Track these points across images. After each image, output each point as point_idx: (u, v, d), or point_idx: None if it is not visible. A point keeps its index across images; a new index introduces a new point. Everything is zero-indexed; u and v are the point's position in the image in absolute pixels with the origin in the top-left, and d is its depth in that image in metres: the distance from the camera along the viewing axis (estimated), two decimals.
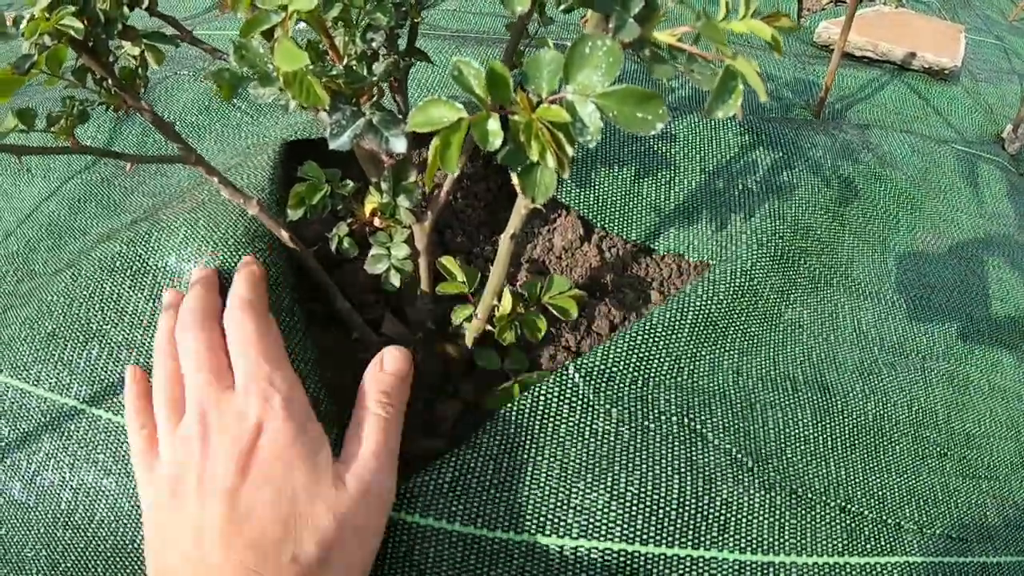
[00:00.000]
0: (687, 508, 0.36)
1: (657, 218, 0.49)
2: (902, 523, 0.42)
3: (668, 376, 0.39)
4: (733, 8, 0.29)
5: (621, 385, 0.37)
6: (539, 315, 0.40)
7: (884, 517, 0.42)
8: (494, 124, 0.23)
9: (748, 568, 0.36)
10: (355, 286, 0.45)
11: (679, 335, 0.42)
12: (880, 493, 0.42)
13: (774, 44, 0.30)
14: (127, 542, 0.37)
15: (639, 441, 0.36)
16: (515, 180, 0.34)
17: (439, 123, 0.24)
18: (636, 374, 0.38)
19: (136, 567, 0.37)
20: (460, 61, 0.25)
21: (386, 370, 0.36)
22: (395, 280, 0.39)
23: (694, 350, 0.41)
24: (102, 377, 0.41)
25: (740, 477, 0.38)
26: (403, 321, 0.44)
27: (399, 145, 0.33)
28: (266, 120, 0.59)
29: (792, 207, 0.52)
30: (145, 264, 0.44)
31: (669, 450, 0.37)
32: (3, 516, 0.39)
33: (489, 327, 0.39)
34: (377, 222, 0.42)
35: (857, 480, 0.42)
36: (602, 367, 0.38)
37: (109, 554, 0.37)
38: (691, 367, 0.40)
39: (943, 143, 0.81)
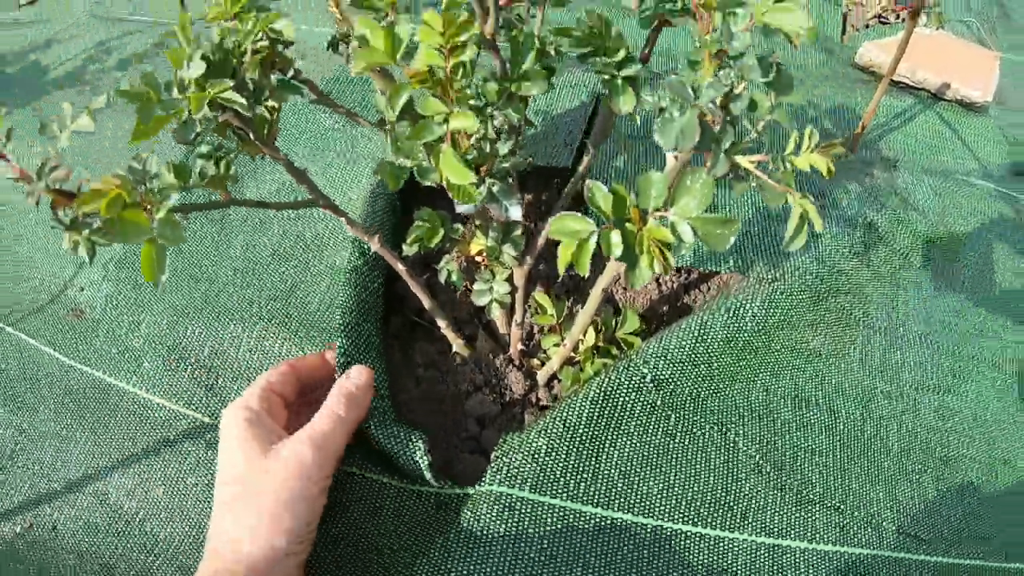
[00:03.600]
0: (719, 499, 0.51)
1: (715, 254, 0.64)
2: (883, 523, 0.58)
3: (715, 390, 0.54)
4: (798, 144, 0.43)
5: (681, 394, 0.53)
6: (612, 346, 0.55)
7: (869, 518, 0.58)
8: (616, 237, 0.37)
9: (762, 548, 0.52)
10: (453, 308, 0.60)
11: (727, 358, 0.57)
12: (868, 499, 0.58)
13: (829, 172, 0.44)
14: None
15: (688, 444, 0.52)
16: (617, 248, 0.49)
17: (574, 234, 0.38)
18: (693, 386, 0.53)
19: None
20: (592, 184, 0.39)
21: (352, 380, 0.50)
22: (496, 311, 0.54)
23: (737, 370, 0.56)
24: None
25: (760, 479, 0.54)
26: (494, 339, 0.58)
27: (516, 213, 0.48)
28: (359, 163, 0.73)
29: (830, 251, 0.66)
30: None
31: (710, 454, 0.52)
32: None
33: (572, 354, 0.54)
34: (478, 259, 0.56)
35: (850, 487, 0.58)
36: (670, 377, 0.53)
37: None
38: (733, 384, 0.55)
39: (964, 182, 0.95)
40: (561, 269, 0.40)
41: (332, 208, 0.53)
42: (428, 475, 0.50)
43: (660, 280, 0.63)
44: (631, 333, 0.55)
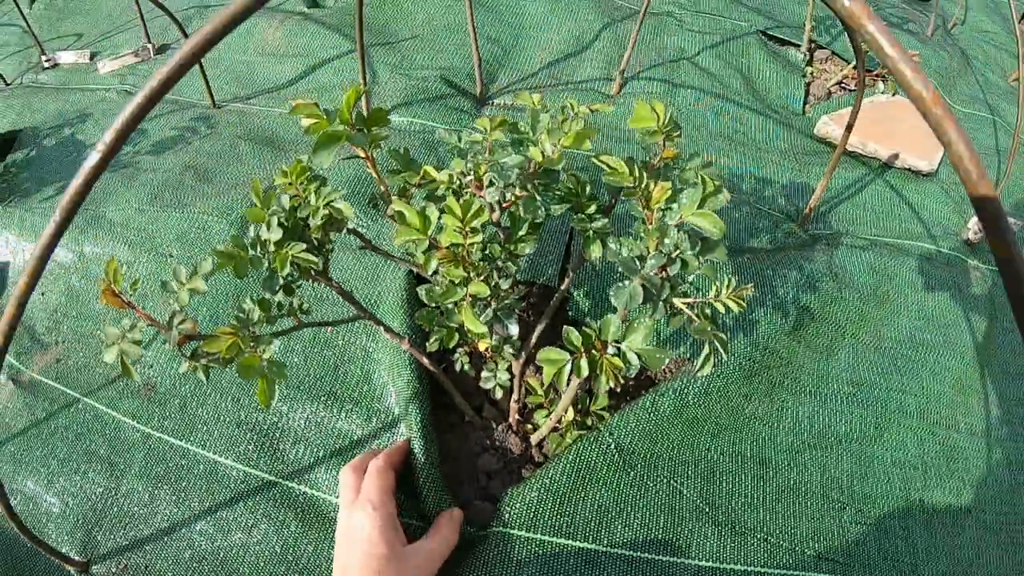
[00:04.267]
0: (668, 534, 0.74)
1: (668, 341, 0.87)
2: (806, 551, 0.81)
3: (665, 451, 0.77)
4: (719, 290, 0.65)
5: (638, 456, 0.75)
6: (588, 418, 0.77)
7: (794, 546, 0.80)
8: (584, 363, 0.60)
9: (704, 571, 0.74)
10: (466, 386, 0.82)
11: (674, 426, 0.80)
12: (793, 531, 0.81)
13: (740, 306, 0.66)
14: None
15: (643, 492, 0.74)
16: (584, 370, 0.71)
17: (556, 361, 0.60)
18: (647, 449, 0.76)
19: None
20: (568, 329, 0.61)
21: (453, 518, 0.73)
22: (499, 393, 0.76)
23: (682, 435, 0.79)
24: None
25: (700, 517, 0.76)
26: (496, 408, 0.81)
27: (514, 330, 0.70)
28: (379, 230, 0.95)
29: (763, 334, 0.89)
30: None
31: (660, 499, 0.75)
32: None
33: (556, 424, 0.76)
34: (485, 351, 0.79)
35: (777, 522, 0.80)
36: (629, 443, 0.76)
37: None
38: (679, 446, 0.78)
39: (903, 249, 1.18)
40: (546, 383, 0.62)
41: (374, 319, 0.75)
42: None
43: None
44: (602, 409, 0.78)
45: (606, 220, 0.69)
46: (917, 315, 1.10)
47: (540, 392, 0.77)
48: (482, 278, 0.64)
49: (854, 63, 1.54)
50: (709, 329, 0.63)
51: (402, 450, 0.75)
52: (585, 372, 0.59)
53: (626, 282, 0.60)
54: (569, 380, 0.67)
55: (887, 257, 1.14)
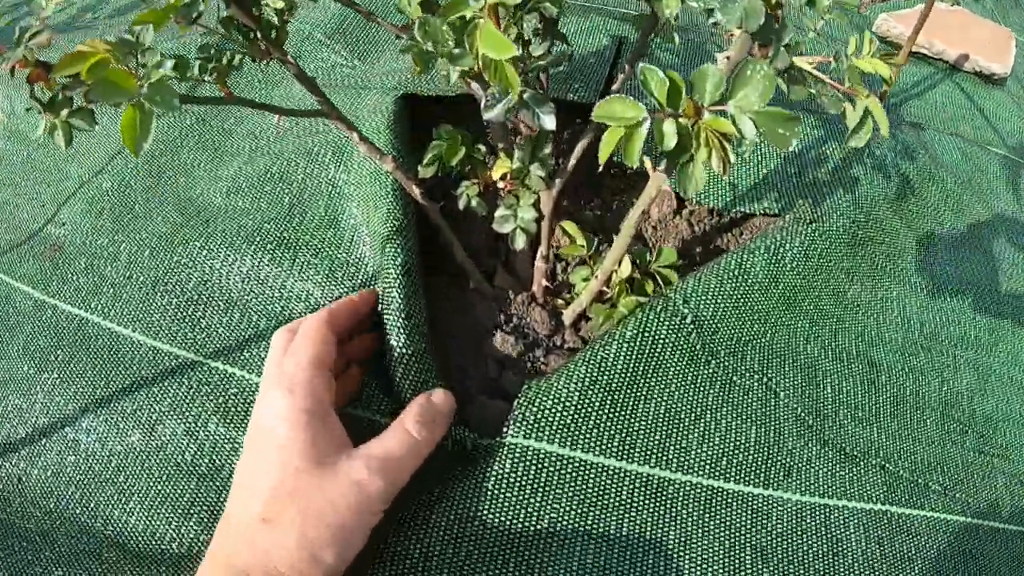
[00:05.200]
0: (763, 455, 0.45)
1: (748, 194, 0.58)
2: (930, 484, 0.53)
3: (756, 335, 0.48)
4: (859, 46, 0.37)
5: (722, 338, 0.47)
6: (648, 280, 0.48)
7: (916, 478, 0.52)
8: (670, 127, 0.31)
9: (807, 508, 0.46)
10: (471, 242, 0.53)
11: (767, 300, 0.50)
12: (913, 458, 0.52)
13: (889, 80, 0.38)
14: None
15: (729, 393, 0.45)
16: (647, 165, 0.42)
17: (622, 119, 0.31)
18: (733, 329, 0.47)
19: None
20: (646, 68, 0.32)
21: (433, 401, 0.42)
22: (520, 240, 0.47)
23: (777, 314, 0.50)
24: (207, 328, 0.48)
25: (802, 432, 0.48)
26: (514, 276, 0.52)
27: (549, 122, 0.41)
28: (366, 70, 0.65)
29: (863, 196, 0.60)
30: None
31: (751, 404, 0.46)
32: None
33: (604, 287, 0.47)
34: (501, 184, 0.49)
35: (895, 445, 0.52)
36: (711, 319, 0.46)
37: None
38: (773, 330, 0.49)
39: (987, 149, 0.90)
40: (602, 158, 0.33)
41: (343, 121, 0.46)
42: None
43: (692, 220, 0.57)
44: (667, 266, 0.48)
45: None
46: (1013, 217, 0.82)
47: (581, 240, 0.48)
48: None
49: None
50: (865, 91, 0.34)
51: (358, 306, 0.45)
52: (672, 141, 0.30)
53: None
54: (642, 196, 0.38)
55: (977, 149, 0.86)
